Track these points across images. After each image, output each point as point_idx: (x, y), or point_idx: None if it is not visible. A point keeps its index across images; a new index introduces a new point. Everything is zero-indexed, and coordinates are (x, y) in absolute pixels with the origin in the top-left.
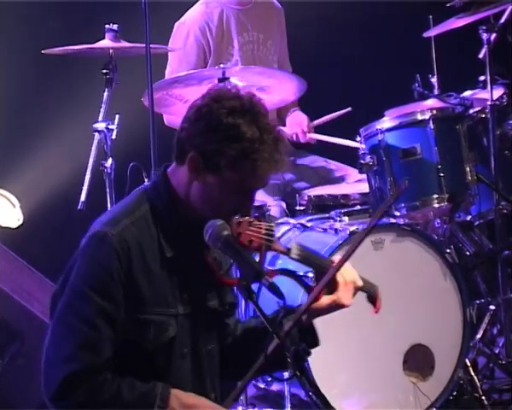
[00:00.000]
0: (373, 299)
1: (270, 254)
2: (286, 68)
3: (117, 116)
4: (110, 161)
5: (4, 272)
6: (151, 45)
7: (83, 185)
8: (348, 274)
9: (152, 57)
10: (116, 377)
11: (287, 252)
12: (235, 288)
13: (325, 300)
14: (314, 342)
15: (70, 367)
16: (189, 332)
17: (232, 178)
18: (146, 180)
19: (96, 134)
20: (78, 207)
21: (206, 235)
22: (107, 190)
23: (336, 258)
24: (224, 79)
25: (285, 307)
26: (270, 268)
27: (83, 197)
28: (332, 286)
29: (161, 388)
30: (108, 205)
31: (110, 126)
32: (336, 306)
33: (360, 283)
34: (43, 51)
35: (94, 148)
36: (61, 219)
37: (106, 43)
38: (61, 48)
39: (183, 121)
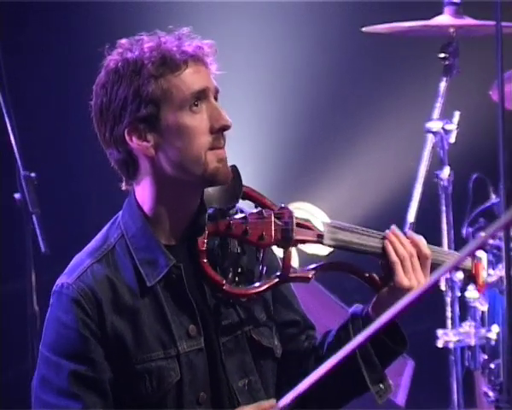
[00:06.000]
0: (471, 274)
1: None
2: None
3: (457, 113)
4: (447, 170)
5: (311, 312)
6: (503, 24)
7: (411, 202)
8: (406, 247)
9: (503, 40)
10: None
11: (318, 239)
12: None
13: (386, 289)
14: (403, 340)
15: None
16: (207, 371)
17: (174, 96)
18: (493, 196)
19: (430, 136)
20: (407, 228)
21: None
22: (443, 208)
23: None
24: None
25: (353, 316)
26: (310, 267)
27: (411, 217)
28: (388, 268)
29: None
30: (444, 227)
31: (448, 127)
32: (402, 290)
33: (427, 250)
34: (363, 29)
35: (426, 153)
36: None
37: (445, 19)
38: (386, 25)
39: (108, 147)
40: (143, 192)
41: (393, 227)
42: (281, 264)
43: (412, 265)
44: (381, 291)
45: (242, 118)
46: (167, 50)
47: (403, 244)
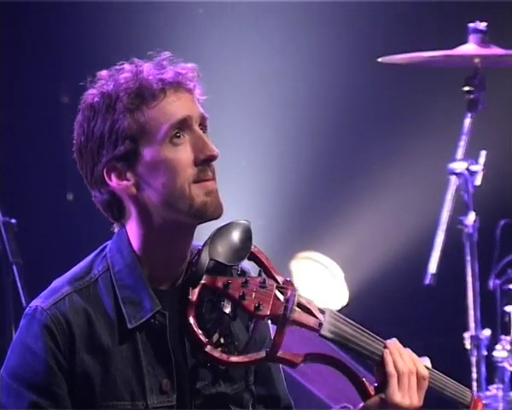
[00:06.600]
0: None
1: None
2: None
3: (483, 153)
4: (472, 216)
5: (320, 374)
6: None
7: (432, 251)
8: (406, 363)
9: None
10: None
11: (316, 327)
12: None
13: (376, 400)
14: None
15: None
16: None
17: (152, 130)
18: None
19: (453, 178)
20: (427, 281)
21: None
22: (468, 257)
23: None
24: None
25: None
26: (302, 353)
27: (433, 268)
28: (382, 379)
29: None
30: (468, 279)
31: (473, 168)
32: (392, 404)
33: (425, 372)
34: (379, 59)
35: (450, 197)
36: (399, 296)
37: (469, 48)
38: (404, 55)
39: (91, 188)
40: (132, 233)
41: (395, 340)
42: (271, 341)
43: (409, 382)
44: (369, 401)
45: (254, 166)
46: (144, 79)
47: (403, 359)
